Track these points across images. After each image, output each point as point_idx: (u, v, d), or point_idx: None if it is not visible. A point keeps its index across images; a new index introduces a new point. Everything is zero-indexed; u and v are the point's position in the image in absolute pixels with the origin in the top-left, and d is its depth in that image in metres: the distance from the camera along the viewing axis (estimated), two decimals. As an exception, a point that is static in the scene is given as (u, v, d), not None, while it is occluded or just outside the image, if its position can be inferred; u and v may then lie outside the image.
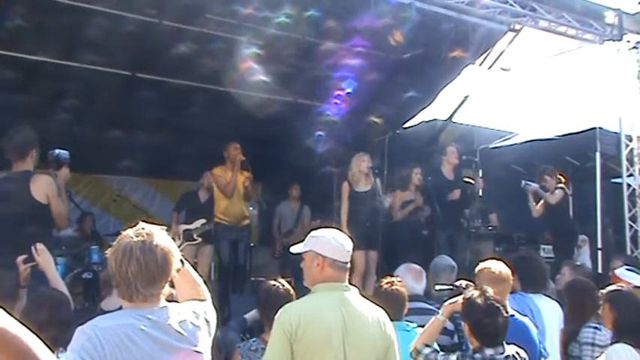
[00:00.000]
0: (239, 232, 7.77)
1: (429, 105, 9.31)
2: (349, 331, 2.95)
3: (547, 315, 4.36)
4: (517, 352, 3.28)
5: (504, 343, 3.27)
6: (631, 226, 8.61)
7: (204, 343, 2.33)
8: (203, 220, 7.69)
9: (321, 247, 3.09)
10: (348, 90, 8.62)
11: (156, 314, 2.20)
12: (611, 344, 3.77)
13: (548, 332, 4.32)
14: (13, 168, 4.73)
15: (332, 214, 7.82)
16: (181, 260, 2.38)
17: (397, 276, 4.49)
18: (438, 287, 4.14)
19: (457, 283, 3.85)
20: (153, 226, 2.28)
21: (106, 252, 2.27)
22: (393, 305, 3.72)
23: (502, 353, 3.22)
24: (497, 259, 4.09)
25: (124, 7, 6.71)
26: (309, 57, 7.97)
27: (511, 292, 4.32)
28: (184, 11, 6.94)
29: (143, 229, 2.24)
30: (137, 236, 2.20)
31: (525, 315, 4.07)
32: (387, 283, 3.93)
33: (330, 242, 3.10)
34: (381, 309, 3.18)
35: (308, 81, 8.47)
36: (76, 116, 7.81)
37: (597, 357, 4.03)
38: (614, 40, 8.21)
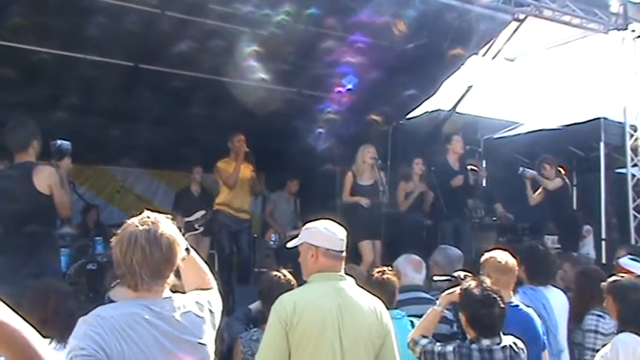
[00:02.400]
0: (240, 223, 7.79)
1: (432, 96, 9.28)
2: (345, 320, 2.95)
3: (557, 307, 4.35)
4: (514, 343, 3.29)
5: (501, 333, 3.28)
6: (635, 217, 8.60)
7: (208, 335, 2.32)
8: (203, 212, 7.80)
9: (314, 238, 3.11)
10: (349, 86, 8.58)
11: (159, 305, 2.19)
12: (617, 334, 3.76)
13: (561, 325, 4.32)
14: (15, 160, 4.73)
15: (334, 210, 7.79)
16: (187, 248, 2.37)
17: (397, 266, 4.51)
18: (436, 278, 4.14)
19: (455, 274, 3.86)
20: (158, 214, 2.25)
21: (111, 241, 2.25)
22: (385, 294, 3.71)
23: (499, 344, 3.24)
24: (502, 249, 4.08)
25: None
26: (314, 52, 7.94)
27: (520, 285, 4.32)
28: (189, 3, 6.92)
29: (148, 217, 2.21)
30: (142, 225, 2.18)
31: (537, 310, 4.07)
32: (379, 272, 3.95)
33: (322, 232, 3.11)
34: (377, 299, 3.18)
35: (311, 75, 8.44)
36: (80, 108, 7.81)
37: (600, 345, 4.03)
38: (618, 30, 8.18)
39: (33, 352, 1.48)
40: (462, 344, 3.30)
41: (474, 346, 3.24)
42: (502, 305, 3.26)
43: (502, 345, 3.23)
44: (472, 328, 3.29)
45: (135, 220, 2.21)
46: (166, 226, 2.22)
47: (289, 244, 3.26)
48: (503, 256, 3.93)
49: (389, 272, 3.96)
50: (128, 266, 2.16)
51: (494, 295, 3.26)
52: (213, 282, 2.52)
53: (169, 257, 2.20)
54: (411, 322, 3.84)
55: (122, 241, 2.17)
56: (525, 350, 3.34)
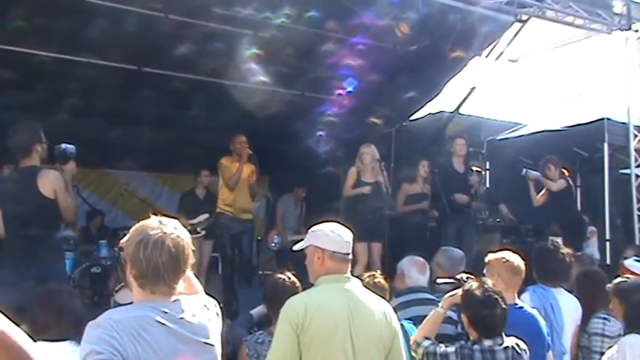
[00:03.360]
0: (242, 224, 7.79)
1: (435, 98, 9.28)
2: (355, 321, 2.96)
3: (566, 310, 4.33)
4: (517, 344, 3.29)
5: (503, 334, 3.28)
6: (640, 217, 8.57)
7: (216, 335, 2.34)
8: (207, 215, 7.82)
9: (320, 241, 3.12)
10: (349, 89, 8.58)
11: (169, 307, 2.20)
12: (624, 335, 3.75)
13: (567, 328, 4.30)
14: (20, 164, 4.73)
15: (337, 212, 7.79)
16: None
17: (401, 267, 4.51)
18: (439, 281, 4.14)
19: (458, 276, 3.86)
20: (172, 219, 2.29)
21: (122, 243, 2.25)
22: None
23: (501, 344, 3.24)
24: (509, 251, 4.07)
25: (129, 1, 6.70)
26: (315, 54, 7.94)
27: (531, 284, 4.32)
28: (190, 6, 6.93)
29: (168, 222, 2.25)
30: (166, 227, 2.21)
31: (544, 309, 4.06)
32: (369, 276, 3.96)
33: (328, 235, 3.13)
34: (384, 300, 3.19)
35: (313, 79, 8.45)
36: (84, 111, 7.84)
37: (607, 348, 4.02)
38: (622, 30, 8.16)
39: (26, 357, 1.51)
40: (464, 345, 3.30)
41: (475, 346, 3.24)
42: (503, 306, 3.27)
43: (504, 346, 3.24)
44: (474, 329, 3.30)
45: (154, 223, 2.23)
46: (183, 231, 2.27)
47: (295, 247, 3.27)
48: (514, 257, 3.94)
49: (379, 276, 3.98)
50: (154, 267, 2.16)
51: (496, 296, 3.28)
52: (200, 287, 2.53)
53: (187, 261, 2.25)
54: (402, 325, 3.82)
55: (147, 243, 2.17)
56: (528, 351, 3.34)
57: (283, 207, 9.18)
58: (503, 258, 3.93)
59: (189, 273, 2.49)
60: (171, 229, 2.22)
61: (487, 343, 3.23)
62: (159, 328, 2.14)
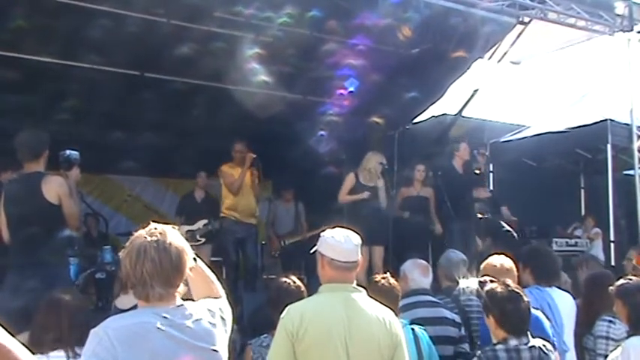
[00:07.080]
0: (246, 229, 7.79)
1: (438, 100, 9.28)
2: (351, 330, 2.92)
3: (563, 308, 4.34)
4: (544, 345, 3.26)
5: (529, 333, 3.25)
6: (644, 218, 8.53)
7: (221, 341, 2.33)
8: (205, 221, 7.81)
9: (322, 247, 3.10)
10: (351, 88, 8.58)
11: (171, 313, 2.20)
12: (628, 337, 3.74)
13: (567, 326, 4.31)
14: (25, 169, 4.75)
15: (339, 213, 7.79)
16: (194, 258, 2.38)
17: (404, 270, 4.52)
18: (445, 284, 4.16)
19: (482, 279, 3.88)
20: (165, 225, 2.28)
21: (119, 253, 2.27)
22: (389, 300, 3.68)
23: (526, 344, 3.20)
24: (500, 254, 4.15)
25: (131, 7, 6.73)
26: (317, 55, 7.96)
27: (526, 286, 4.33)
28: (191, 10, 6.95)
29: (156, 229, 2.24)
30: (151, 236, 2.20)
31: (542, 309, 4.07)
32: (383, 278, 3.94)
33: (327, 241, 3.09)
34: (388, 309, 3.16)
35: (315, 80, 8.46)
36: (86, 117, 7.86)
37: (612, 350, 4.00)
38: (624, 31, 8.14)
39: None
40: (486, 350, 3.27)
41: (499, 346, 3.20)
42: (526, 299, 3.28)
43: (530, 345, 3.21)
44: (502, 328, 3.26)
45: (143, 232, 2.24)
46: (174, 236, 2.25)
47: (312, 250, 3.23)
48: (498, 260, 4.00)
49: (391, 279, 3.96)
50: (139, 278, 2.18)
51: (518, 291, 3.30)
52: (221, 290, 2.53)
53: (179, 267, 2.23)
54: (412, 329, 3.82)
55: (131, 254, 2.19)
56: (554, 353, 3.31)
57: (273, 213, 9.16)
58: (488, 262, 3.99)
59: (212, 276, 2.52)
60: (157, 237, 2.21)
61: (512, 342, 3.20)
62: (157, 333, 2.14)
